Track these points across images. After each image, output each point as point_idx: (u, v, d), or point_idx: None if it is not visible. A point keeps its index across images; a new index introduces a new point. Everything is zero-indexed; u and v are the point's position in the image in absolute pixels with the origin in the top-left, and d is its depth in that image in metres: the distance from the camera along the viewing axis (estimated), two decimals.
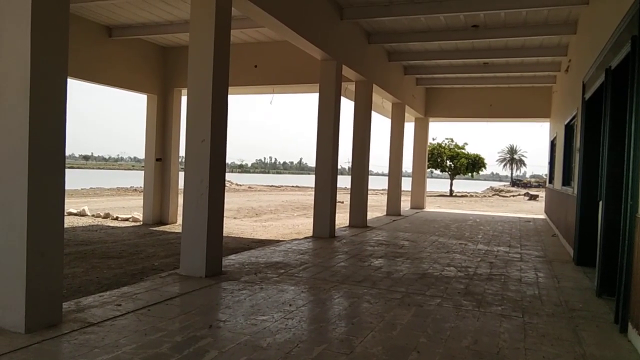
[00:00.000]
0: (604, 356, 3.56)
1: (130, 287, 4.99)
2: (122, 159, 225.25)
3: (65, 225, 10.91)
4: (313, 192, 9.55)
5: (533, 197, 35.40)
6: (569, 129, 10.04)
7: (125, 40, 10.90)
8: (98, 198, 22.29)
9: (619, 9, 4.95)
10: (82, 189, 27.96)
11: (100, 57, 10.45)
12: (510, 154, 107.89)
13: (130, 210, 15.27)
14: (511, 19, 9.42)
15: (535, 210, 21.90)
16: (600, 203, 5.44)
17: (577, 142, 7.95)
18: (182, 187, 5.80)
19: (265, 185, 44.60)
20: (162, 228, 11.69)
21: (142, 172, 12.75)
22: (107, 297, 4.53)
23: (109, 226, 11.92)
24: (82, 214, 13.88)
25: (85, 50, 9.99)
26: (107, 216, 13.55)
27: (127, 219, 13.10)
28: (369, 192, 12.34)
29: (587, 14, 7.97)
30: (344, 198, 18.47)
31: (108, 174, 72.09)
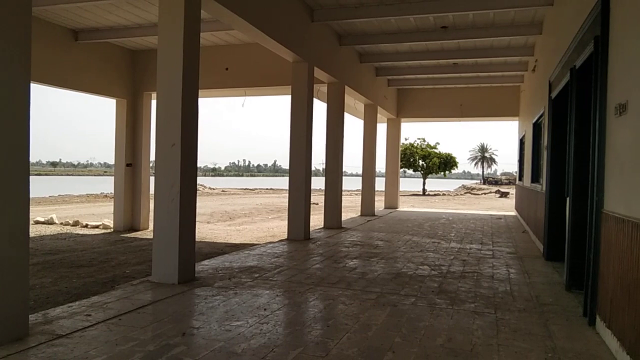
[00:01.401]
0: (574, 349, 3.63)
1: (100, 296, 4.87)
2: (91, 164, 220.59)
3: (32, 234, 10.64)
4: (287, 195, 9.51)
5: (504, 195, 36.08)
6: (537, 127, 10.27)
7: (92, 44, 10.67)
8: (67, 205, 21.77)
9: (582, 10, 5.08)
10: (50, 196, 27.26)
11: (66, 62, 10.21)
12: (481, 153, 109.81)
13: (101, 217, 14.95)
14: (479, 20, 9.59)
15: (506, 207, 22.32)
16: (568, 199, 5.57)
17: (545, 140, 8.13)
18: (153, 193, 5.69)
19: (239, 189, 44.28)
20: (133, 235, 11.48)
21: (112, 177, 12.50)
22: (76, 307, 4.41)
23: (78, 234, 11.64)
24: (50, 222, 13.51)
25: (50, 55, 9.74)
26: (76, 224, 13.23)
27: (97, 226, 12.81)
28: (343, 193, 12.37)
29: (552, 15, 8.16)
30: (318, 199, 18.48)
31: (77, 180, 70.56)
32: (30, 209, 3.74)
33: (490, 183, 64.98)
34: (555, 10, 7.76)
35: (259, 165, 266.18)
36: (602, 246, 3.96)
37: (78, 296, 5.51)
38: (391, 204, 17.86)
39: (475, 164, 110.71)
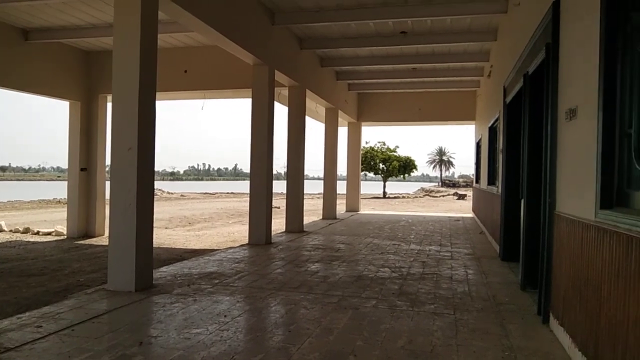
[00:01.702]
0: (529, 347, 3.74)
1: (52, 306, 4.68)
2: (44, 169, 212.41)
3: None
4: (248, 199, 9.42)
5: (461, 197, 36.96)
6: (492, 131, 10.55)
7: (43, 44, 10.27)
8: (17, 212, 20.86)
9: (534, 18, 5.26)
10: None
11: (15, 61, 9.79)
12: (439, 156, 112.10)
13: (53, 223, 14.39)
14: (437, 26, 9.79)
15: (463, 209, 22.85)
16: (522, 201, 5.73)
17: (500, 143, 8.36)
18: (109, 198, 5.52)
19: (198, 193, 43.61)
20: (88, 241, 11.10)
21: (66, 182, 12.06)
22: (26, 318, 4.22)
23: (28, 241, 11.17)
24: None
25: None
26: (26, 231, 12.68)
27: (49, 233, 12.32)
28: (305, 197, 12.36)
29: (506, 22, 8.42)
30: (280, 203, 18.40)
31: (28, 186, 67.85)
32: None
33: (448, 186, 66.39)
34: (509, 18, 8.01)
35: (219, 169, 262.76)
36: (554, 246, 4.09)
37: (28, 307, 5.26)
38: (352, 207, 17.98)
39: (433, 167, 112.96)
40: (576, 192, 3.51)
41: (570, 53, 3.83)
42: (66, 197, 12.27)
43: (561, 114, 4.01)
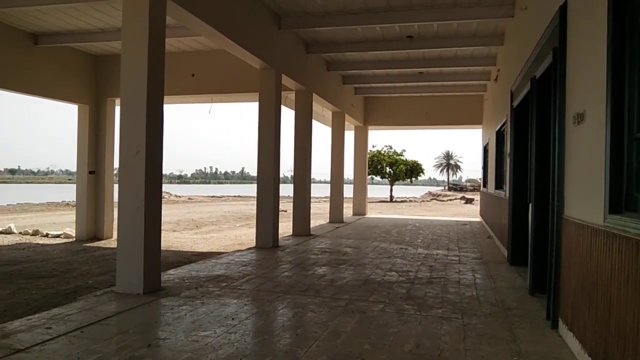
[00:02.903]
0: (538, 352, 3.72)
1: (61, 308, 4.71)
2: (52, 172, 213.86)
3: None
4: (255, 202, 9.45)
5: (469, 201, 36.81)
6: (499, 135, 10.53)
7: (53, 48, 10.38)
8: (26, 214, 21.02)
9: (541, 22, 5.25)
10: (8, 205, 26.29)
11: (25, 66, 9.89)
12: (446, 160, 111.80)
13: (62, 226, 14.49)
14: (443, 30, 9.80)
15: (471, 213, 22.77)
16: (530, 205, 5.72)
17: (508, 147, 8.34)
18: (117, 201, 5.56)
19: (206, 196, 43.73)
20: (96, 244, 11.17)
21: (75, 185, 12.15)
22: (35, 320, 4.26)
23: (38, 244, 11.25)
24: (7, 232, 13.00)
25: (8, 59, 9.43)
26: (36, 233, 12.77)
27: (58, 236, 12.41)
28: (312, 200, 12.38)
29: (513, 26, 8.41)
30: (286, 207, 18.42)
31: (37, 188, 68.34)
32: None
33: (455, 190, 66.18)
34: (515, 22, 8.01)
35: (226, 173, 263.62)
36: (563, 251, 4.08)
37: (38, 308, 5.30)
38: (359, 211, 17.97)
39: (440, 171, 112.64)
40: (584, 197, 3.50)
41: (577, 57, 3.82)
42: (75, 200, 12.35)
43: (569, 118, 4.00)
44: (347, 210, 17.16)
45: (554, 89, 4.40)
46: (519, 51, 7.14)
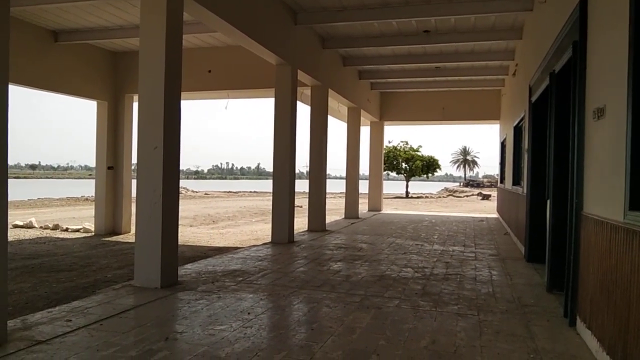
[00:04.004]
0: (555, 349, 3.68)
1: (81, 301, 4.80)
2: (72, 167, 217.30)
3: (11, 239, 10.43)
4: (271, 197, 9.49)
5: (486, 197, 36.48)
6: (517, 131, 10.41)
7: (72, 45, 10.52)
8: (46, 209, 21.40)
9: (561, 15, 5.17)
10: (29, 199, 26.79)
11: (46, 63, 10.05)
12: (463, 155, 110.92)
13: (82, 220, 14.73)
14: (461, 24, 9.70)
15: (488, 209, 22.57)
16: (548, 201, 5.65)
17: (526, 143, 8.24)
18: (135, 196, 5.63)
19: (222, 192, 44.05)
20: (115, 238, 11.33)
21: (94, 180, 12.33)
22: (56, 312, 4.34)
23: (58, 238, 11.46)
24: (29, 226, 13.26)
25: (29, 56, 9.58)
26: (56, 227, 13.01)
27: (78, 230, 12.62)
28: (327, 196, 12.38)
29: (532, 20, 8.29)
30: (302, 202, 18.46)
31: (57, 183, 69.43)
32: (9, 212, 3.67)
33: (472, 186, 65.62)
34: (534, 16, 7.89)
35: (242, 168, 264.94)
36: (581, 248, 4.02)
37: (58, 301, 5.41)
38: (375, 207, 17.93)
39: (457, 167, 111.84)
40: (604, 193, 3.45)
41: (598, 51, 3.76)
42: (94, 195, 12.54)
43: (589, 113, 3.94)
44: (363, 206, 17.12)
45: (573, 83, 4.33)
46: (538, 45, 7.04)
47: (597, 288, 3.52)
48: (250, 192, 45.69)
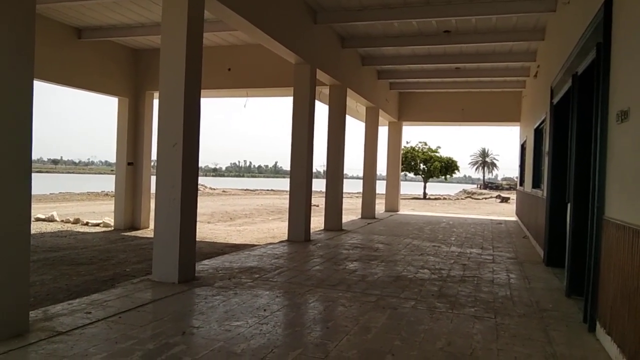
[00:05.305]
0: (573, 355, 3.63)
1: (100, 294, 4.88)
2: (92, 162, 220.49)
3: (33, 231, 10.64)
4: (288, 196, 9.52)
5: (504, 200, 36.07)
6: (538, 133, 10.27)
7: (95, 42, 10.69)
8: (67, 203, 21.78)
9: (584, 16, 5.09)
10: (50, 193, 27.30)
11: (69, 59, 10.23)
12: (482, 157, 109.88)
13: (101, 215, 14.96)
14: (482, 25, 9.60)
15: (506, 212, 22.31)
16: (569, 205, 5.57)
17: (546, 145, 8.13)
18: (154, 192, 5.70)
19: (239, 189, 44.29)
20: (134, 233, 11.48)
21: (114, 176, 12.51)
22: (76, 304, 4.42)
23: (78, 232, 11.65)
24: (50, 220, 13.52)
25: (53, 52, 9.76)
26: (76, 221, 13.23)
27: (97, 224, 12.82)
28: (344, 196, 12.37)
29: (555, 21, 8.18)
30: (319, 201, 18.48)
31: (78, 178, 70.59)
32: (31, 206, 3.75)
33: (490, 188, 64.96)
34: (557, 17, 7.78)
35: (260, 166, 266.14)
36: (602, 252, 3.96)
37: (78, 294, 5.51)
38: (392, 207, 17.86)
39: (476, 169, 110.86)
40: (627, 197, 3.39)
41: (622, 52, 3.69)
42: (114, 190, 12.72)
43: (612, 115, 3.87)
44: (379, 207, 17.07)
45: (596, 85, 4.27)
46: (561, 46, 6.94)
47: (618, 294, 3.46)
48: (267, 190, 45.87)
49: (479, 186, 79.48)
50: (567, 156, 5.94)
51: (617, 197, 3.67)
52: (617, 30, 3.91)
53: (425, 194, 39.51)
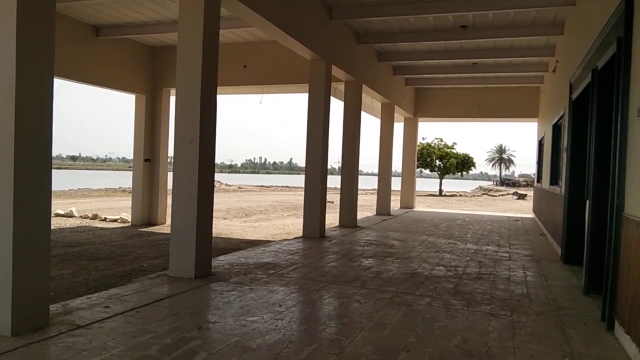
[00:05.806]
0: (591, 354, 3.59)
1: (118, 288, 4.95)
2: (110, 159, 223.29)
3: (53, 227, 10.78)
4: (303, 192, 9.54)
5: (521, 197, 35.67)
6: (556, 129, 10.14)
7: (113, 40, 10.80)
8: (86, 199, 22.10)
9: (605, 10, 5.00)
10: (69, 189, 27.70)
11: (88, 57, 10.36)
12: (499, 154, 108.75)
13: (119, 211, 15.14)
14: (499, 19, 9.49)
15: (523, 209, 22.07)
16: (588, 202, 5.49)
17: (565, 141, 8.03)
18: (171, 188, 5.76)
19: (255, 186, 44.48)
20: (151, 229, 11.62)
21: (131, 172, 12.65)
22: (95, 299, 4.49)
23: (97, 227, 11.82)
24: (69, 215, 13.74)
25: (72, 50, 9.89)
26: (95, 217, 13.42)
27: (115, 220, 12.99)
28: (359, 192, 12.35)
29: (574, 15, 8.05)
30: (334, 198, 18.47)
31: (96, 175, 71.51)
32: (52, 201, 3.82)
33: (507, 185, 64.29)
34: (577, 10, 7.66)
35: (275, 163, 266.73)
36: (622, 250, 3.90)
37: (97, 288, 5.60)
38: (407, 204, 17.79)
39: (492, 165, 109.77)
40: None
41: None
42: (131, 187, 12.87)
43: (632, 111, 3.81)
44: (395, 203, 17.01)
45: (617, 80, 4.19)
46: (580, 41, 6.83)
47: (638, 292, 3.41)
48: (283, 186, 45.99)
49: (495, 183, 78.73)
50: (586, 152, 5.86)
51: (637, 194, 3.61)
52: (638, 24, 3.83)
53: (441, 190, 39.25)
